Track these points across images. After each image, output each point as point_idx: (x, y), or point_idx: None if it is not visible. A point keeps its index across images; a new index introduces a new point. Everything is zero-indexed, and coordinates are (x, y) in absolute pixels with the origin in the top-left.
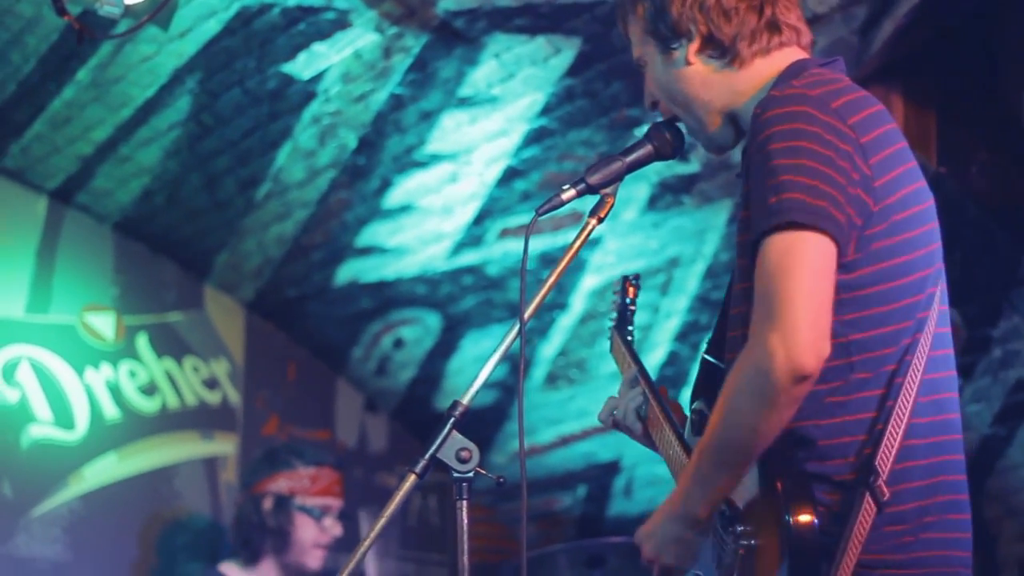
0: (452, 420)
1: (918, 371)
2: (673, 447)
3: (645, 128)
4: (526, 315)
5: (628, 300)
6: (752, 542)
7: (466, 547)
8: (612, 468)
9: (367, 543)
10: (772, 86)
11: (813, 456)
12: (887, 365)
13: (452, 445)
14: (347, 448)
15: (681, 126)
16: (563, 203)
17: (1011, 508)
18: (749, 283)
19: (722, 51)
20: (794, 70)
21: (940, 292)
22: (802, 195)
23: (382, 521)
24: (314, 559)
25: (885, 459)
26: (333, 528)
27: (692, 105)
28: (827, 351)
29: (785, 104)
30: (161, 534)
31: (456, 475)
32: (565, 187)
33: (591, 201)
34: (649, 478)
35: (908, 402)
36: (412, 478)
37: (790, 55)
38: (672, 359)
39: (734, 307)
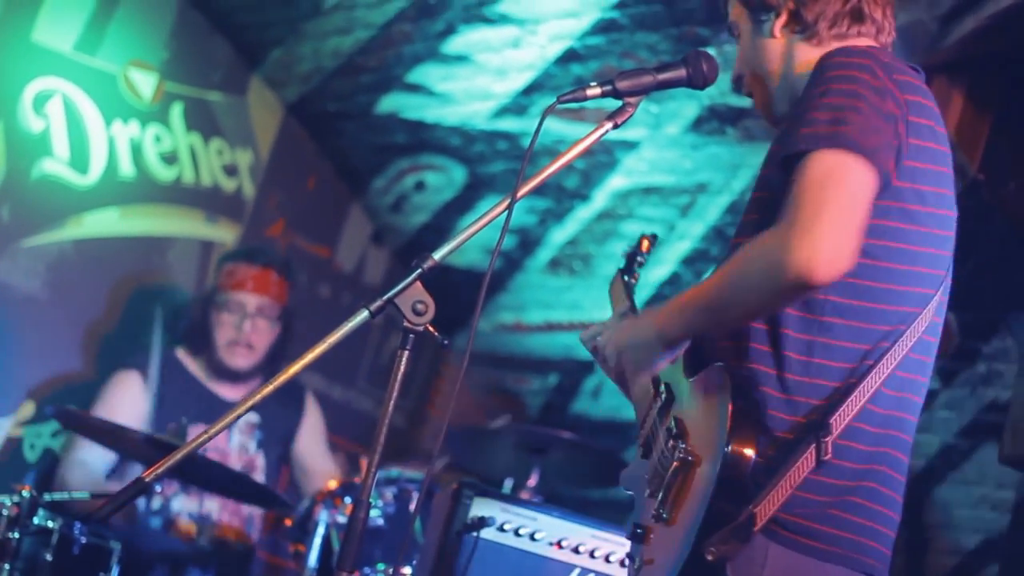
0: (418, 271)
1: (892, 362)
2: (644, 388)
3: (711, 49)
4: (519, 194)
5: (641, 254)
6: (689, 458)
7: (395, 395)
8: (588, 367)
9: (300, 364)
10: None
11: (770, 404)
12: (861, 343)
13: (412, 296)
14: (343, 271)
15: (720, 61)
16: (586, 98)
17: (950, 521)
18: (765, 192)
19: (804, 27)
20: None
21: (938, 302)
22: (857, 129)
23: (322, 347)
24: (237, 356)
25: (836, 424)
26: (261, 330)
27: (770, 77)
28: (843, 270)
29: (853, 55)
30: (138, 299)
31: (406, 325)
32: (592, 84)
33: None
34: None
35: (872, 386)
36: (364, 314)
37: (866, 43)
38: (674, 279)
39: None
